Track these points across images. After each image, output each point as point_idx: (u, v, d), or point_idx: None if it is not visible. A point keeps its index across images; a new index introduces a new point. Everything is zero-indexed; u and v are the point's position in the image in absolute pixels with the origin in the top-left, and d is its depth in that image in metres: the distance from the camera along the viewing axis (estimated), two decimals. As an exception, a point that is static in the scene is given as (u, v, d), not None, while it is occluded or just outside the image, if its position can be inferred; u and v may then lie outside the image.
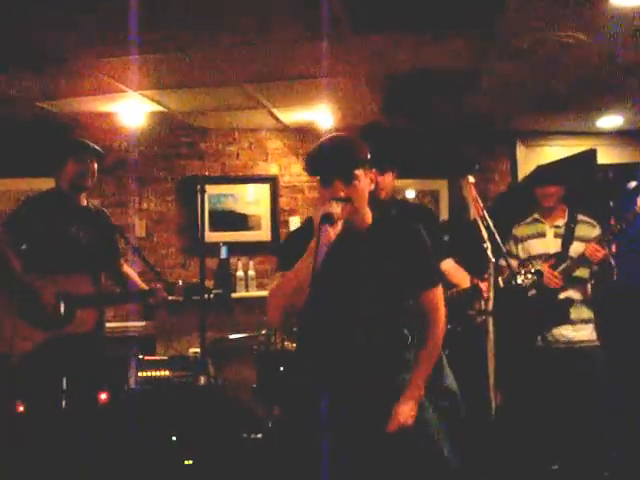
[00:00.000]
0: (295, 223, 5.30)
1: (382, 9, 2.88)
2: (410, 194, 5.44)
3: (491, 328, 2.67)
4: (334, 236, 1.99)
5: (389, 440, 2.15)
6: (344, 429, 2.14)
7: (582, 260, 3.42)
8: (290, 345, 3.96)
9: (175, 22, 2.96)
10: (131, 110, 4.50)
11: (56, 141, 3.90)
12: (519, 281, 3.04)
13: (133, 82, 3.83)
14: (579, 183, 3.94)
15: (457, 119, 4.98)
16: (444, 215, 5.47)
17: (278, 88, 4.11)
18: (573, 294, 3.49)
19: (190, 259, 5.23)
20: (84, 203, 3.54)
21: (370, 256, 2.17)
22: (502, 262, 3.15)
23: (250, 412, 4.13)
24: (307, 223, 2.20)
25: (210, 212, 5.17)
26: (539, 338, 3.48)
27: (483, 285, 2.95)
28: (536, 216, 3.69)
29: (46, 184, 3.65)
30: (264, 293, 4.84)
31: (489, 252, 2.68)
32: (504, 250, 3.01)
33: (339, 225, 2.01)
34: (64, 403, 3.29)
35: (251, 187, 5.34)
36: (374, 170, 2.19)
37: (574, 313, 3.48)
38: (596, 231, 3.54)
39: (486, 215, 2.75)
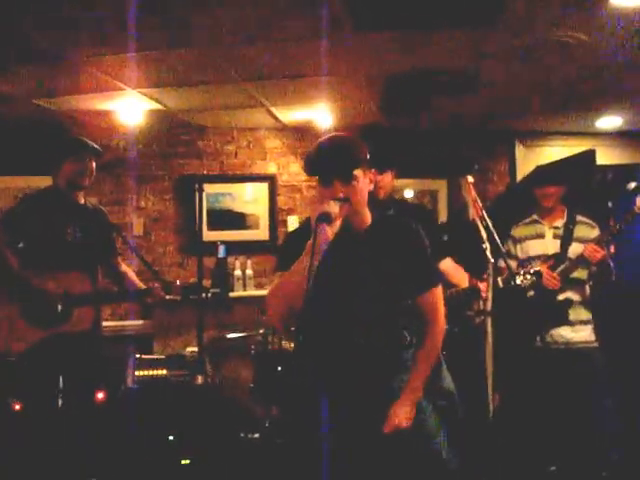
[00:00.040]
0: (293, 222, 5.30)
1: (382, 8, 2.87)
2: (409, 194, 5.44)
3: (490, 329, 2.66)
4: (332, 235, 1.98)
5: (387, 441, 2.15)
6: (343, 429, 2.14)
7: (581, 261, 3.42)
8: (288, 345, 3.96)
9: (174, 20, 2.94)
10: (129, 108, 4.49)
11: (54, 139, 3.89)
12: (518, 282, 3.04)
13: (131, 80, 3.82)
14: (578, 184, 3.94)
15: (456, 119, 4.98)
16: (443, 215, 5.47)
17: (277, 87, 4.10)
18: (572, 295, 3.49)
19: (188, 258, 5.22)
20: (82, 201, 3.53)
21: (369, 256, 2.16)
22: (501, 263, 3.15)
23: (247, 412, 4.12)
24: (306, 223, 2.19)
25: (208, 211, 5.17)
26: (538, 339, 3.47)
27: (482, 285, 2.95)
28: (535, 217, 3.69)
29: (43, 182, 3.64)
30: (262, 292, 4.85)
31: (488, 252, 2.67)
32: (503, 251, 3.00)
33: (337, 224, 2.01)
34: (61, 402, 3.28)
35: (249, 186, 5.33)
36: (373, 170, 2.18)
37: (573, 314, 3.48)
38: (595, 232, 3.53)
39: (485, 215, 2.74)
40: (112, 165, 5.05)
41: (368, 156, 2.12)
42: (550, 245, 3.57)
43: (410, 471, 2.17)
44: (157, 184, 5.26)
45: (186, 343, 4.69)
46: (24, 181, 4.80)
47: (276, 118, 4.98)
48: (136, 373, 4.03)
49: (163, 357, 4.25)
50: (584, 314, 3.52)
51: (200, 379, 3.90)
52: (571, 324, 3.48)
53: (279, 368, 3.89)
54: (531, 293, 3.49)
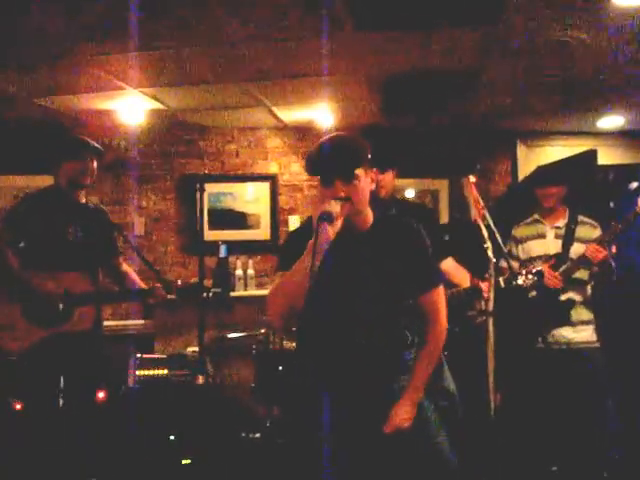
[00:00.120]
0: (294, 222, 5.30)
1: (383, 8, 2.87)
2: (410, 193, 5.44)
3: (491, 328, 2.66)
4: (333, 235, 1.98)
5: (388, 441, 2.14)
6: (344, 430, 2.13)
7: (582, 261, 3.41)
8: (289, 344, 3.95)
9: (175, 19, 2.94)
10: (130, 108, 4.49)
11: (55, 138, 3.88)
12: (520, 282, 3.03)
13: (132, 79, 3.81)
14: (579, 184, 3.93)
15: (457, 119, 4.97)
16: (444, 214, 5.46)
17: (278, 87, 4.10)
18: (573, 295, 3.48)
19: (189, 258, 5.22)
20: (83, 201, 3.53)
21: (371, 256, 2.16)
22: (503, 263, 3.15)
23: (248, 411, 4.13)
24: (307, 223, 2.19)
25: (209, 211, 5.16)
26: (539, 339, 3.46)
27: (483, 285, 2.94)
28: (536, 216, 3.68)
29: (44, 181, 3.64)
30: (263, 292, 4.84)
31: (490, 252, 2.67)
32: (505, 250, 3.00)
33: (338, 224, 2.00)
34: (62, 402, 3.27)
35: (250, 186, 5.33)
36: (375, 169, 2.17)
37: (574, 314, 3.48)
38: (597, 232, 3.53)
39: (487, 215, 2.74)
40: (113, 165, 5.05)
41: (369, 155, 2.12)
42: (552, 245, 3.56)
43: (411, 471, 2.16)
44: (158, 184, 5.26)
45: (187, 343, 4.68)
46: (24, 180, 4.79)
47: (277, 118, 4.98)
48: (137, 373, 4.03)
49: (164, 357, 4.25)
50: (585, 314, 3.51)
51: (201, 379, 3.90)
52: (572, 324, 3.47)
53: (280, 368, 3.88)
54: (533, 293, 3.48)
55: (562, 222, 3.60)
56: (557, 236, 3.57)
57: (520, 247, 3.66)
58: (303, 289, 1.93)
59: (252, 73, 3.78)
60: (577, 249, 3.47)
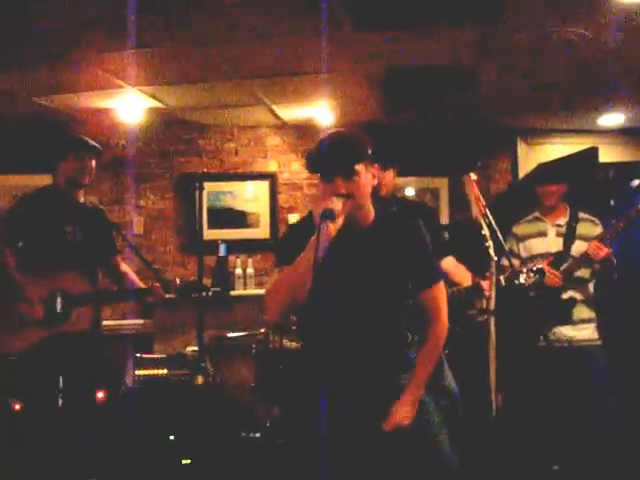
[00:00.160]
0: (294, 221, 5.28)
1: (382, 8, 2.86)
2: (410, 192, 5.42)
3: (492, 327, 2.65)
4: (334, 232, 1.96)
5: (389, 438, 2.13)
6: (345, 427, 2.12)
7: (584, 259, 3.39)
8: (289, 344, 3.94)
9: (174, 18, 2.93)
10: (129, 106, 4.48)
11: (53, 137, 3.87)
12: (522, 280, 3.02)
13: (131, 78, 3.80)
14: (580, 182, 3.92)
15: (457, 117, 4.96)
16: (444, 213, 5.45)
17: (277, 85, 4.09)
18: (575, 293, 3.47)
19: (188, 257, 5.20)
20: (81, 200, 3.51)
21: (372, 252, 2.15)
22: (504, 261, 3.13)
23: (248, 411, 4.11)
24: (306, 218, 2.18)
25: (208, 209, 5.15)
26: (541, 337, 3.45)
27: (485, 284, 2.93)
28: (537, 214, 3.67)
29: (42, 181, 3.63)
30: (263, 291, 4.82)
31: (491, 250, 2.65)
32: (506, 248, 2.99)
33: (340, 221, 1.99)
34: (61, 402, 3.27)
35: (250, 184, 5.31)
36: (376, 165, 2.16)
37: (575, 313, 3.46)
38: (598, 229, 3.51)
39: (488, 213, 2.73)
40: (112, 164, 5.04)
41: (370, 151, 2.10)
42: (553, 243, 3.55)
43: (412, 469, 2.15)
44: (157, 182, 5.24)
45: (187, 342, 4.66)
46: (23, 180, 4.78)
47: (277, 116, 4.96)
48: (137, 372, 4.02)
49: (164, 356, 4.24)
50: (587, 312, 3.50)
51: (201, 378, 3.88)
52: (574, 323, 3.46)
53: (280, 367, 3.87)
54: (534, 291, 3.46)
55: (563, 220, 3.58)
56: (558, 234, 3.56)
57: (521, 245, 3.64)
58: (304, 286, 1.92)
59: (251, 71, 3.77)
60: (578, 247, 3.46)
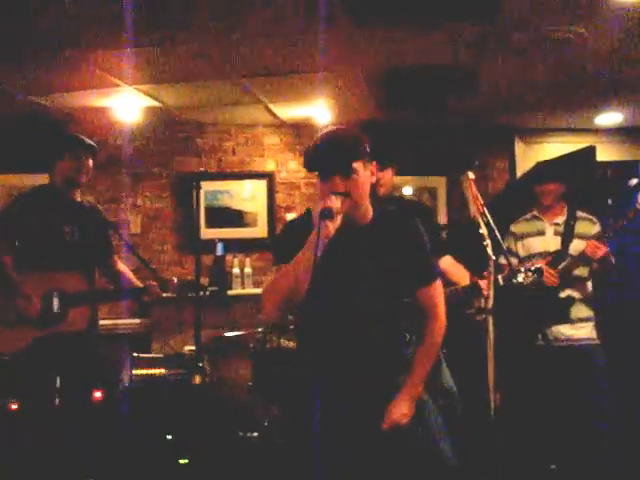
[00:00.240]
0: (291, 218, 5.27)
1: (380, 5, 2.85)
2: (408, 191, 5.42)
3: (491, 327, 2.64)
4: (333, 231, 1.96)
5: (387, 437, 2.13)
6: (343, 426, 2.12)
7: (582, 258, 3.39)
8: (287, 343, 3.93)
9: (171, 16, 2.92)
10: (126, 105, 4.47)
11: (50, 136, 3.85)
12: (520, 279, 3.01)
13: (128, 76, 3.79)
14: (578, 181, 3.92)
15: (455, 115, 4.95)
16: (442, 212, 5.45)
17: (275, 83, 4.08)
18: (573, 292, 3.47)
19: (185, 256, 5.19)
20: (78, 199, 3.50)
21: (370, 250, 2.14)
22: (502, 260, 3.13)
23: (246, 410, 4.10)
24: (304, 215, 2.18)
25: (206, 209, 5.15)
26: (539, 336, 3.45)
27: (483, 283, 2.92)
28: (535, 213, 3.66)
29: (39, 180, 3.62)
30: (260, 290, 4.81)
31: (489, 249, 2.64)
32: (504, 247, 2.98)
33: (338, 219, 1.98)
34: (58, 401, 3.26)
35: (247, 183, 5.30)
36: (374, 163, 2.15)
37: (573, 311, 3.46)
38: (596, 228, 3.51)
39: (486, 212, 2.72)
40: (109, 163, 5.02)
41: (368, 149, 2.09)
42: (551, 242, 3.54)
43: (410, 468, 2.15)
44: (154, 182, 5.23)
45: (184, 342, 4.66)
46: (19, 179, 4.77)
47: (274, 115, 4.96)
48: (134, 372, 4.01)
49: (161, 356, 4.23)
50: (585, 311, 3.50)
51: (198, 378, 3.88)
52: (572, 321, 3.45)
53: (278, 366, 3.86)
54: (532, 290, 3.46)
55: (561, 219, 3.58)
56: (556, 233, 3.56)
57: (519, 244, 3.64)
58: (302, 285, 1.92)
59: (249, 70, 3.76)
60: (577, 245, 3.45)
